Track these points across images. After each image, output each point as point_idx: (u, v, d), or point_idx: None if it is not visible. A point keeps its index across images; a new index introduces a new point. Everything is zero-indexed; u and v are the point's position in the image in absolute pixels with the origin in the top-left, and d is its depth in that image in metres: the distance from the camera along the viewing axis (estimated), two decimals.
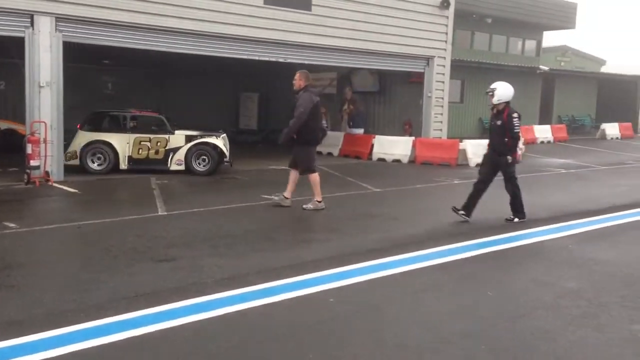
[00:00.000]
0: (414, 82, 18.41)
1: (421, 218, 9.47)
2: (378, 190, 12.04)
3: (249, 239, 7.61)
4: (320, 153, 18.17)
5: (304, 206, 9.48)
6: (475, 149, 16.58)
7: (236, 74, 21.35)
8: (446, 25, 17.57)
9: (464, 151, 16.44)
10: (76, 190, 10.92)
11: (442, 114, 17.98)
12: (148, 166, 13.10)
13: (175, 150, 13.26)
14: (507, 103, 8.71)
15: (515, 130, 8.57)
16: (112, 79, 21.65)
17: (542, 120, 26.68)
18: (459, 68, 21.83)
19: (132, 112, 13.68)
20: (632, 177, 14.73)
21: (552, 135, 24.24)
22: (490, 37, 32.26)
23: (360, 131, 18.47)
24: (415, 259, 6.74)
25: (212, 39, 13.53)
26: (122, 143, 13.02)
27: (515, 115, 8.56)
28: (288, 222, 8.92)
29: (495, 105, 8.72)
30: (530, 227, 8.54)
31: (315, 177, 9.51)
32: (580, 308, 5.22)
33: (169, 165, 13.21)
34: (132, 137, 13.10)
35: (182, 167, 13.22)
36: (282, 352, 4.22)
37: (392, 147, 17.14)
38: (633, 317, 5.00)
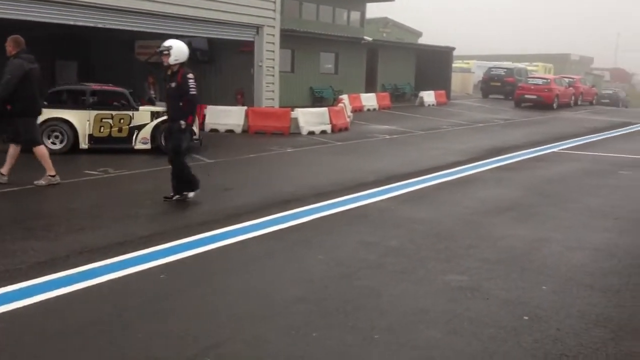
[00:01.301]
0: (245, 51, 18.28)
1: (255, 187, 9.49)
2: (211, 161, 11.84)
3: (70, 219, 7.08)
4: None
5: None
6: (307, 118, 17.00)
7: (50, 39, 19.53)
8: None
9: (296, 120, 16.74)
10: None
11: (273, 83, 18.10)
12: (111, 145, 12.24)
13: (140, 127, 12.38)
14: (182, 64, 7.81)
15: (192, 92, 7.75)
16: None
17: (368, 89, 28.01)
18: (288, 38, 22.04)
19: (92, 87, 12.68)
20: (446, 141, 16.07)
21: (377, 103, 25.58)
22: (318, 8, 32.96)
23: None
24: (248, 229, 6.74)
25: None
26: (82, 120, 12.03)
27: (190, 76, 7.75)
28: (114, 198, 8.45)
29: (170, 66, 7.87)
30: (359, 191, 8.95)
31: (41, 149, 8.86)
32: (401, 264, 5.59)
33: (133, 143, 12.32)
34: (93, 114, 12.16)
35: (148, 146, 12.38)
36: (107, 335, 3.99)
37: (225, 117, 16.94)
38: (446, 269, 5.47)
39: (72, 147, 12.02)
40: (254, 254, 5.93)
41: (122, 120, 12.37)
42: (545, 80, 30.94)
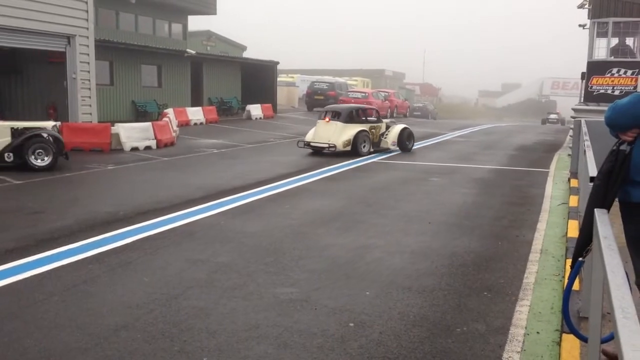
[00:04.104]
0: (55, 62, 16.96)
1: (72, 209, 8.80)
2: (19, 182, 10.79)
3: None
4: None
5: None
6: (129, 133, 16.25)
7: None
8: (86, 3, 16.54)
9: (117, 135, 15.93)
10: None
11: (90, 97, 17.02)
12: (375, 148, 16.98)
13: (383, 134, 17.29)
14: None
15: None
16: None
17: (194, 103, 27.58)
18: (106, 49, 20.96)
19: (365, 106, 18.98)
20: (273, 154, 16.31)
21: (204, 116, 25.28)
22: (136, 18, 31.84)
23: None
24: (64, 254, 6.24)
25: None
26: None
27: None
28: None
29: None
30: (186, 208, 8.70)
31: None
32: (231, 280, 5.51)
33: (387, 146, 17.19)
34: (368, 125, 16.77)
35: (396, 147, 17.31)
36: None
37: None
38: (276, 282, 5.50)
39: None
40: (71, 281, 5.47)
41: (377, 130, 17.17)
42: (364, 94, 32.84)
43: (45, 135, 12.26)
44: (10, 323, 4.47)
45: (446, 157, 16.51)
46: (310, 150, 16.37)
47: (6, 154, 11.84)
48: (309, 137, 16.65)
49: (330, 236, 7.28)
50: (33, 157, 11.98)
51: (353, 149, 15.99)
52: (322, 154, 15.95)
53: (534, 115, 64.80)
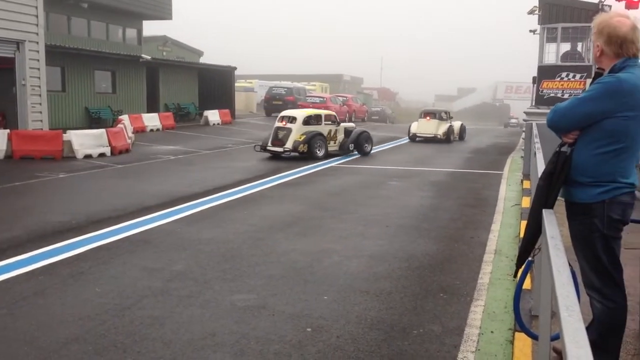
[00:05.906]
0: (4, 68, 16.47)
1: (21, 219, 8.54)
2: None
3: None
4: None
5: None
6: (82, 140, 15.89)
7: None
8: (36, 7, 16.11)
9: (69, 142, 15.55)
10: None
11: (40, 104, 16.57)
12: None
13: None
14: None
15: None
16: None
17: (150, 109, 27.14)
18: (57, 54, 20.47)
19: (446, 109, 27.23)
20: (231, 160, 16.19)
21: (161, 123, 24.92)
22: (89, 23, 31.23)
23: None
24: (13, 266, 6.04)
25: None
26: None
27: None
28: None
29: None
30: (141, 216, 8.54)
31: None
32: (187, 288, 5.42)
33: (454, 136, 24.44)
34: (450, 122, 24.27)
35: (457, 138, 24.68)
36: None
37: None
38: (232, 289, 5.44)
39: None
40: (20, 293, 5.29)
41: (452, 125, 24.73)
42: (322, 99, 32.94)
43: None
44: None
45: (404, 161, 16.69)
46: (268, 156, 16.35)
47: (350, 145, 17.39)
48: (413, 129, 23.68)
49: (288, 242, 7.25)
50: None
51: (446, 138, 23.08)
52: (280, 158, 15.93)
53: (489, 118, 66.13)
